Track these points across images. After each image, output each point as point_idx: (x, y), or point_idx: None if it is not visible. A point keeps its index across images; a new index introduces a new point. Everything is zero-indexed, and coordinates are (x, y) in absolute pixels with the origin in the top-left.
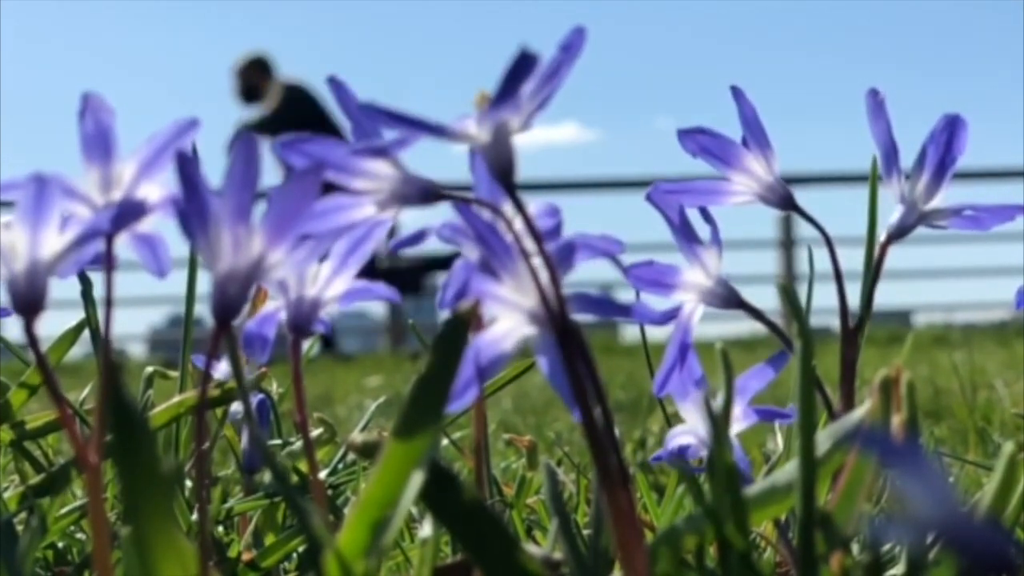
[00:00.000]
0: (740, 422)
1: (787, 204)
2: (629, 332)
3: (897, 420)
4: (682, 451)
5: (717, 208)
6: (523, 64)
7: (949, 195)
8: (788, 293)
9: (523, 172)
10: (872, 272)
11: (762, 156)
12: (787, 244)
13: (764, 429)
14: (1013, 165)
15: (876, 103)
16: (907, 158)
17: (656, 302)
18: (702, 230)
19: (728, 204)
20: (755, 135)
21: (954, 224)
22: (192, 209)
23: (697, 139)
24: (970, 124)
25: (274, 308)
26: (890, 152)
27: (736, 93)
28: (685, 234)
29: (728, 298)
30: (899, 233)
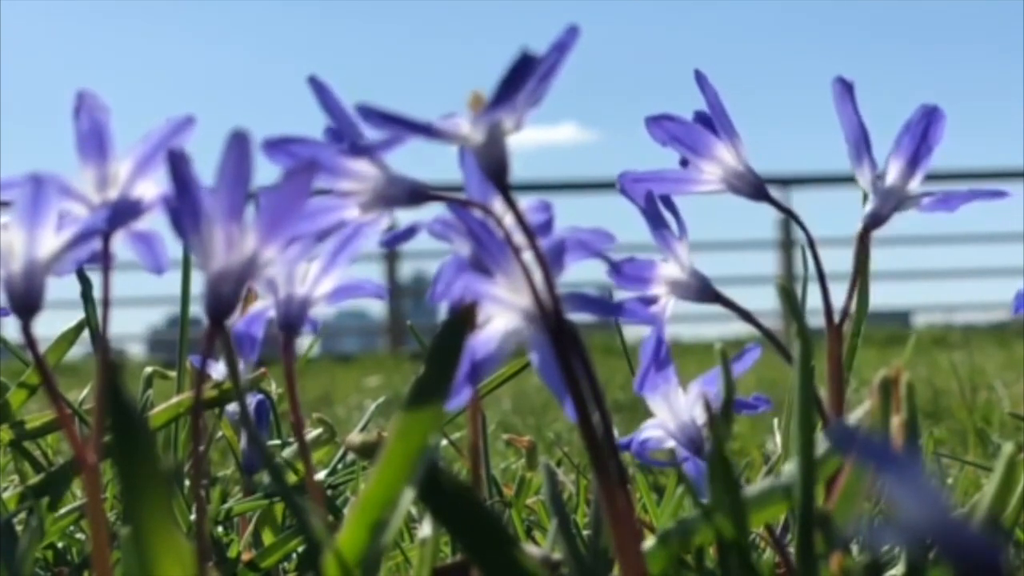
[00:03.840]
0: (704, 411)
1: (757, 193)
2: (630, 332)
3: (896, 421)
4: (645, 444)
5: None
6: (523, 66)
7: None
8: (787, 294)
9: (522, 172)
10: (855, 264)
11: (731, 144)
12: (786, 245)
13: (763, 430)
14: (1013, 166)
15: (843, 90)
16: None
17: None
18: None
19: (698, 192)
20: (721, 122)
21: (921, 206)
22: (184, 208)
23: (665, 126)
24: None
25: (263, 307)
26: (860, 140)
27: (699, 78)
28: (656, 223)
29: (702, 290)
30: (874, 223)
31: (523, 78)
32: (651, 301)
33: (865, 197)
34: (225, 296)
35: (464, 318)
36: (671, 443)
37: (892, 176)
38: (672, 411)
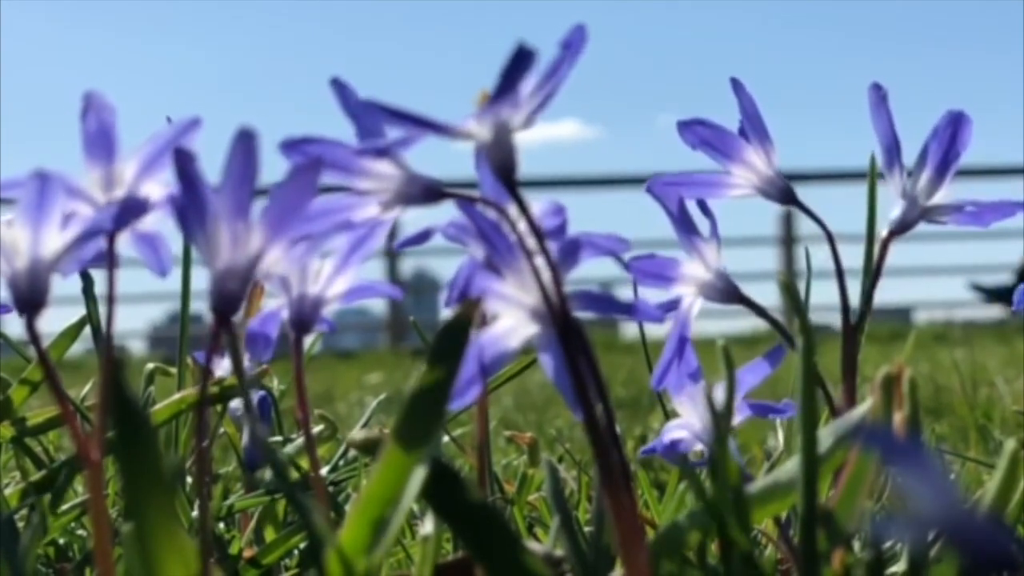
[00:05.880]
0: (735, 416)
1: (787, 198)
2: (630, 329)
3: (899, 417)
4: (675, 445)
5: (717, 204)
6: (520, 59)
7: (951, 191)
8: (790, 289)
9: (524, 169)
10: (874, 267)
11: (762, 149)
12: (787, 241)
13: (765, 426)
14: (1013, 162)
15: (878, 98)
16: (910, 153)
17: (656, 296)
18: (703, 224)
19: (728, 197)
20: (755, 128)
21: (954, 220)
22: (190, 205)
23: (697, 131)
24: (973, 121)
25: (276, 306)
26: (892, 147)
27: (735, 85)
28: (684, 226)
29: (727, 292)
30: (901, 228)
31: (521, 71)
32: (671, 306)
33: (871, 197)
34: (230, 293)
35: (468, 315)
36: (700, 446)
37: (921, 183)
38: (698, 411)
